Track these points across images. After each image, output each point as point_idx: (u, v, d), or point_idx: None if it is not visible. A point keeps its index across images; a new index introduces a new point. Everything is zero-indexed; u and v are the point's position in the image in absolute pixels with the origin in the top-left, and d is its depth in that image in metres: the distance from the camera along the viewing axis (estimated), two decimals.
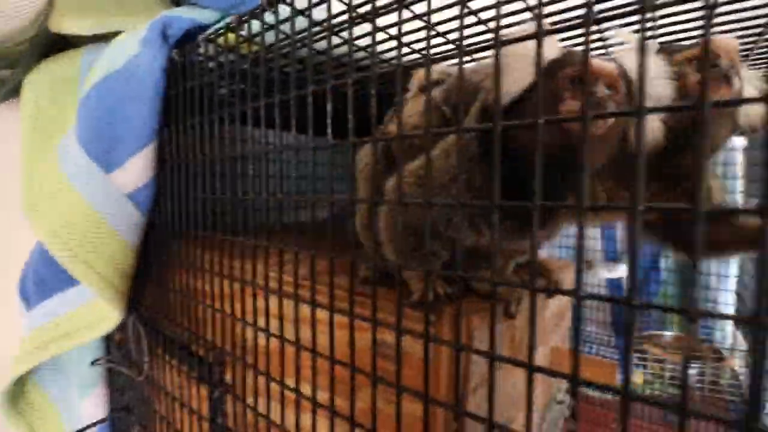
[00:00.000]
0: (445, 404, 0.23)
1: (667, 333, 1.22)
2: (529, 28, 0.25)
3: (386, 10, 0.26)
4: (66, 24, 0.52)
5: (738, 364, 1.13)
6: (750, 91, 0.29)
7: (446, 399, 0.31)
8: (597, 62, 0.24)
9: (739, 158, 1.13)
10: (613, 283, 1.40)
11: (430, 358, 0.28)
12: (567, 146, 0.24)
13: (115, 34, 0.54)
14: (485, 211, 0.29)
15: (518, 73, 0.25)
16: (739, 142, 1.13)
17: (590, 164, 0.26)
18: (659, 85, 0.26)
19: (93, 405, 0.64)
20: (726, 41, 0.28)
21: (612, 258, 1.38)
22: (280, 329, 0.33)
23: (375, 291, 0.27)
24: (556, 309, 0.52)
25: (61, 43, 0.57)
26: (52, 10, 0.53)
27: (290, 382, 0.33)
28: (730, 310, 1.20)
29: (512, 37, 0.20)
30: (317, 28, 0.31)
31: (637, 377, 1.12)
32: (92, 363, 0.61)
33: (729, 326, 1.21)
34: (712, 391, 1.03)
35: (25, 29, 0.51)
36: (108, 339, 0.65)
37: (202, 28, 0.49)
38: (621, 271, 1.33)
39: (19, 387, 0.62)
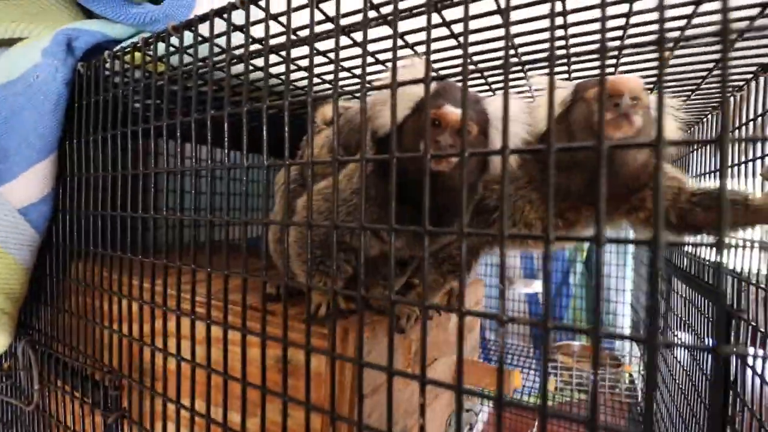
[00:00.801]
0: (324, 410, 0.25)
1: (576, 343, 1.34)
2: (411, 71, 0.29)
3: (297, 42, 0.28)
4: None
5: (634, 369, 1.27)
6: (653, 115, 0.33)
7: (343, 408, 0.32)
8: (447, 110, 0.29)
9: None
10: (531, 298, 1.51)
11: (322, 372, 0.30)
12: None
13: (18, 40, 0.51)
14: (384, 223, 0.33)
15: (398, 108, 0.28)
16: None
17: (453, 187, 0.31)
18: (518, 125, 0.31)
19: None
20: (629, 79, 0.30)
21: (529, 274, 1.50)
22: (192, 349, 0.33)
23: (285, 310, 0.29)
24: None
25: None
26: None
27: (188, 401, 0.33)
28: (627, 320, 1.35)
29: (405, 80, 0.23)
30: (219, 57, 0.33)
31: (550, 384, 1.21)
32: None
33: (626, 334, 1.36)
34: (612, 395, 1.15)
35: None
36: None
37: (113, 42, 0.48)
38: (537, 286, 1.44)
39: None
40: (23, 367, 0.53)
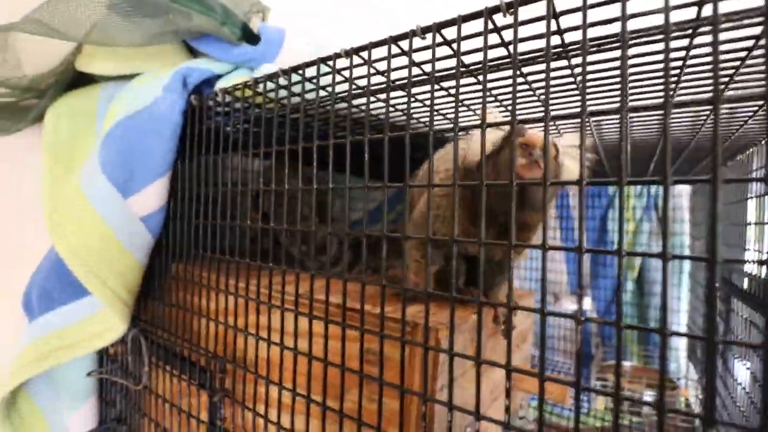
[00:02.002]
0: (417, 392, 0.30)
1: (627, 363, 1.31)
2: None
3: (419, 80, 0.34)
4: (93, 65, 0.59)
5: (691, 393, 1.22)
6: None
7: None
8: (532, 133, 0.34)
9: (685, 203, 1.27)
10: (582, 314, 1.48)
11: (406, 363, 0.35)
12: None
13: (134, 75, 0.61)
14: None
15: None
16: (685, 188, 1.27)
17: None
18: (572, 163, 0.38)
19: (82, 418, 0.67)
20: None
21: (576, 291, 1.47)
22: (281, 339, 0.39)
23: (362, 303, 0.34)
24: (518, 331, 0.59)
25: (82, 78, 0.64)
26: (79, 52, 0.60)
27: (286, 389, 0.39)
28: (682, 342, 1.30)
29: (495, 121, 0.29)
30: (323, 94, 0.39)
31: (599, 404, 1.19)
32: (88, 374, 0.64)
33: (683, 358, 1.31)
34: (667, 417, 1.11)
35: (54, 68, 0.58)
36: (101, 353, 0.68)
37: (217, 77, 0.57)
38: (586, 303, 1.42)
39: (12, 396, 0.64)
40: (131, 352, 0.62)
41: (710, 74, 0.36)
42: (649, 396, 1.15)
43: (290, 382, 0.38)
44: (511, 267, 0.29)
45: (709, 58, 0.35)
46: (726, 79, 0.36)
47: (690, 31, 0.24)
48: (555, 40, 0.30)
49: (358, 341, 0.34)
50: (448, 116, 0.52)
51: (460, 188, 0.29)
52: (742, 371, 0.70)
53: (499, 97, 0.44)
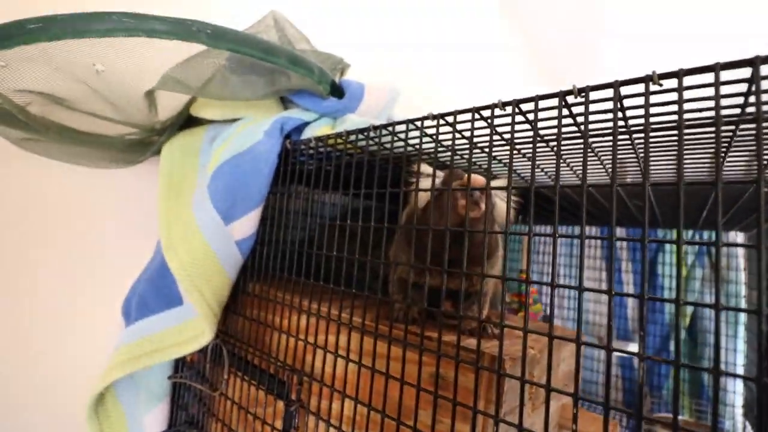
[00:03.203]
0: (487, 413, 0.35)
1: (679, 417, 1.25)
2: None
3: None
4: (204, 111, 0.70)
5: None
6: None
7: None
8: (473, 176, 0.42)
9: (741, 251, 1.23)
10: (626, 361, 1.44)
11: (468, 386, 0.39)
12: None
13: (234, 120, 0.72)
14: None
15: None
16: (740, 235, 1.24)
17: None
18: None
19: (156, 419, 0.74)
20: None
21: (623, 336, 1.44)
22: (359, 358, 0.45)
23: (440, 329, 0.39)
24: (566, 369, 0.62)
25: (191, 119, 0.76)
26: (194, 101, 0.72)
27: (359, 407, 0.44)
28: (738, 398, 1.23)
29: None
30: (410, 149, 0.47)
31: None
32: (169, 377, 0.72)
33: (738, 416, 1.24)
34: None
35: (174, 115, 0.69)
36: (178, 359, 0.76)
37: (305, 124, 0.66)
38: (632, 348, 1.38)
39: (101, 393, 0.72)
40: (209, 360, 0.70)
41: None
42: None
43: (363, 399, 0.44)
44: (481, 292, 0.38)
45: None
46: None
47: (735, 121, 0.29)
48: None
49: (428, 366, 0.39)
50: (522, 175, 0.58)
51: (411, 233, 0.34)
52: None
53: (570, 162, 0.50)
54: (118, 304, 0.73)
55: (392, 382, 0.41)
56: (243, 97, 0.62)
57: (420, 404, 0.42)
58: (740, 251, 1.24)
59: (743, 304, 1.24)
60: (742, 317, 1.25)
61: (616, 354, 1.44)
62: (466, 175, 0.43)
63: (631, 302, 1.45)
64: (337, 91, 0.66)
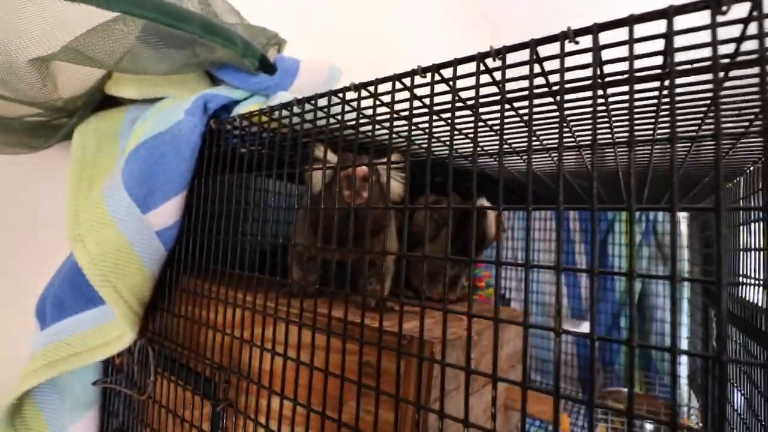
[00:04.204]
0: (410, 401, 0.32)
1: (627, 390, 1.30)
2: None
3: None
4: (119, 89, 0.64)
5: (693, 422, 1.21)
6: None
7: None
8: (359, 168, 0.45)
9: (684, 230, 1.29)
10: (580, 340, 1.48)
11: (401, 375, 0.37)
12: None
13: (158, 99, 0.66)
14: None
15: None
16: (681, 215, 1.29)
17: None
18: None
19: (84, 428, 0.68)
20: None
21: (577, 315, 1.48)
22: (284, 350, 0.42)
23: (363, 318, 0.37)
24: (511, 350, 0.61)
25: (109, 100, 0.68)
26: (109, 77, 0.65)
27: (289, 402, 0.41)
28: (684, 368, 1.29)
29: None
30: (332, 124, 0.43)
31: (601, 430, 1.18)
32: (94, 383, 0.66)
33: (684, 386, 1.30)
34: None
35: (85, 92, 0.62)
36: (107, 362, 0.70)
37: (234, 103, 0.61)
38: (585, 327, 1.42)
39: (17, 402, 0.65)
40: (137, 362, 0.64)
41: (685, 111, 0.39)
42: (650, 424, 1.14)
43: (291, 393, 0.40)
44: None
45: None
46: (700, 117, 0.40)
47: (657, 75, 0.28)
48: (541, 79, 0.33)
49: (355, 354, 0.36)
50: (446, 142, 0.56)
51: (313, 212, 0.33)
52: (738, 397, 0.71)
53: (492, 126, 0.47)
54: (32, 305, 0.66)
55: (323, 374, 0.38)
56: (159, 70, 0.56)
57: (350, 395, 0.39)
58: (683, 230, 1.29)
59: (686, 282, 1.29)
60: (686, 292, 1.31)
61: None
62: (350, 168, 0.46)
63: (584, 282, 1.49)
64: (269, 66, 0.61)
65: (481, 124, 0.39)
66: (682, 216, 1.28)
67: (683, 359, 1.31)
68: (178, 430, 0.54)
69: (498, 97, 0.31)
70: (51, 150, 0.66)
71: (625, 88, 0.32)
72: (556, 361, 0.28)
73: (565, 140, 0.52)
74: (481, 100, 0.31)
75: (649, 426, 1.15)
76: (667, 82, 0.29)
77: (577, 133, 0.48)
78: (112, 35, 0.52)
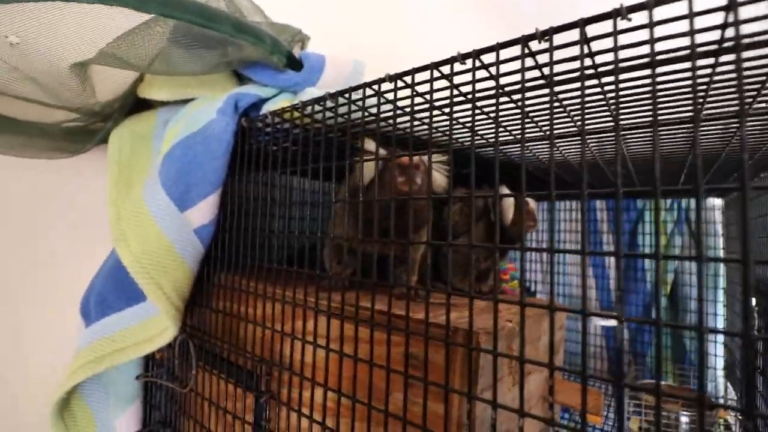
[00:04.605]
0: (460, 391, 0.32)
1: (662, 383, 1.26)
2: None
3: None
4: (151, 92, 0.65)
5: (731, 414, 1.17)
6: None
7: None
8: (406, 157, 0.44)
9: (718, 218, 1.24)
10: (608, 331, 1.45)
11: (440, 364, 0.37)
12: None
13: (187, 100, 0.67)
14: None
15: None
16: (717, 202, 1.25)
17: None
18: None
19: (128, 421, 0.70)
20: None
21: (606, 306, 1.45)
22: (327, 343, 0.42)
23: (408, 310, 0.37)
24: (548, 341, 0.60)
25: (142, 103, 0.70)
26: (141, 81, 0.66)
27: (331, 394, 0.41)
28: (720, 360, 1.25)
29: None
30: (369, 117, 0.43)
31: (633, 423, 1.15)
32: (137, 377, 0.68)
33: (720, 378, 1.26)
34: None
35: (120, 96, 0.64)
36: (147, 358, 0.72)
37: (262, 101, 0.62)
38: (614, 320, 1.39)
39: (65, 397, 0.68)
40: (178, 356, 0.66)
41: (736, 90, 0.38)
42: (685, 416, 1.11)
43: (334, 385, 0.41)
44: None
45: (733, 75, 0.37)
46: (753, 94, 0.38)
47: (714, 52, 0.26)
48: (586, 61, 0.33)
49: (398, 346, 0.36)
50: (485, 136, 0.55)
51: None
52: None
53: (534, 117, 0.46)
54: (77, 304, 0.68)
55: (366, 365, 0.38)
56: (190, 70, 0.57)
57: (394, 386, 0.40)
58: (718, 218, 1.25)
59: (722, 271, 1.26)
60: (722, 281, 1.27)
61: (600, 324, 1.44)
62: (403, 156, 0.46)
63: (612, 273, 1.46)
64: (295, 63, 0.61)
65: (521, 111, 0.39)
66: (717, 203, 1.24)
67: (719, 350, 1.27)
68: (220, 421, 0.56)
69: (543, 81, 0.31)
70: (88, 153, 0.68)
71: (676, 66, 0.31)
72: (582, 341, 0.27)
73: (604, 124, 0.50)
74: (527, 85, 0.30)
75: (684, 418, 1.12)
76: (725, 57, 0.27)
77: (621, 116, 0.47)
78: (145, 37, 0.53)
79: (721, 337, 1.27)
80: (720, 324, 1.26)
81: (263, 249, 0.53)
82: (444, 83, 0.37)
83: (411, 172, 0.44)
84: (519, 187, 0.30)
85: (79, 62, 0.49)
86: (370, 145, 0.48)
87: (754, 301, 0.94)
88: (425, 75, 0.37)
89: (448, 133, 0.35)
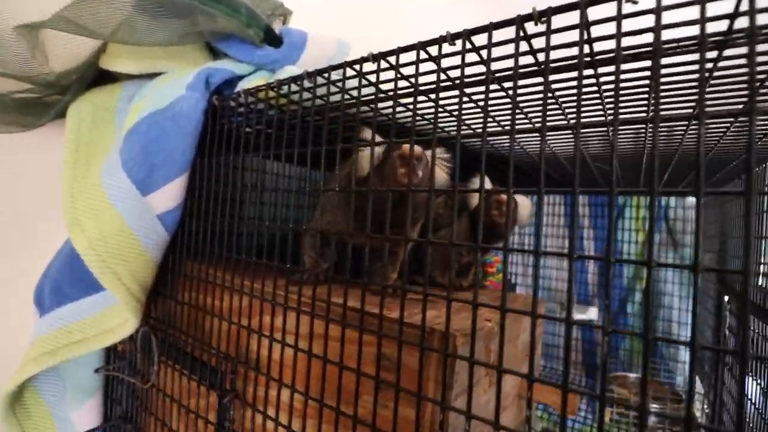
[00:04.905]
0: (433, 399, 0.30)
1: (632, 375, 1.29)
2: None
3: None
4: (116, 63, 0.60)
5: (697, 407, 1.20)
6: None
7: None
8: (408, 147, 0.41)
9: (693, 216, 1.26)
10: (584, 326, 1.48)
11: (413, 366, 0.35)
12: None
13: (155, 74, 0.62)
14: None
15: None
16: (691, 200, 1.26)
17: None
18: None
19: (87, 415, 0.66)
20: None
21: (584, 300, 1.47)
22: (295, 341, 0.39)
23: (381, 309, 0.34)
24: (526, 339, 0.59)
25: (104, 75, 0.65)
26: (104, 51, 0.61)
27: (298, 392, 0.39)
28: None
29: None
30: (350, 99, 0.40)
31: (605, 416, 1.18)
32: (96, 371, 0.64)
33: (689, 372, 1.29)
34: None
35: (79, 65, 0.58)
36: (109, 349, 0.68)
37: (239, 78, 0.57)
38: (592, 313, 1.41)
39: (18, 391, 0.64)
40: (140, 349, 0.62)
41: (738, 85, 0.36)
42: (655, 408, 1.14)
43: (302, 385, 0.38)
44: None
45: (734, 71, 0.35)
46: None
47: (719, 43, 0.24)
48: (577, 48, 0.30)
49: (370, 346, 0.34)
50: (472, 126, 0.52)
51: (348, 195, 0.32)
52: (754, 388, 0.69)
53: (524, 108, 0.44)
54: (31, 292, 0.64)
55: (336, 366, 0.35)
56: (158, 40, 0.52)
57: (365, 389, 0.37)
58: (692, 216, 1.27)
59: None
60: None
61: (577, 317, 1.46)
62: (404, 146, 0.44)
63: (591, 267, 1.47)
64: (274, 39, 0.57)
65: (512, 100, 0.36)
66: (695, 202, 1.25)
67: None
68: (183, 419, 0.53)
69: (536, 67, 0.28)
70: (49, 129, 0.63)
71: (682, 59, 0.29)
72: (565, 353, 0.25)
73: (594, 117, 0.48)
74: (521, 71, 0.28)
75: (653, 418, 1.15)
76: (740, 50, 0.25)
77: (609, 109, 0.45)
78: (107, 2, 0.48)
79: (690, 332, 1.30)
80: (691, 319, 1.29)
81: (232, 237, 0.50)
82: (431, 66, 0.34)
83: (413, 164, 0.41)
84: (506, 182, 0.28)
85: (26, 24, 0.44)
86: (367, 134, 0.45)
87: (726, 299, 0.96)
88: (411, 56, 0.34)
89: (433, 120, 0.32)
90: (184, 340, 0.55)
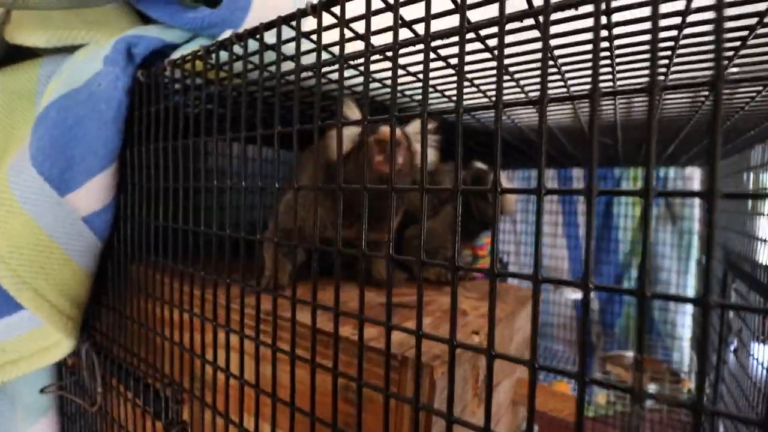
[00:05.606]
0: None
1: (629, 353, 1.26)
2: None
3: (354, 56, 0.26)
4: (22, 36, 0.50)
5: (694, 385, 1.18)
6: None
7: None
8: (386, 130, 0.37)
9: (696, 187, 1.20)
10: (579, 304, 1.44)
11: (392, 408, 0.28)
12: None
13: (78, 46, 0.52)
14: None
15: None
16: (696, 171, 1.20)
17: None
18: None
19: None
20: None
21: (578, 277, 1.42)
22: (240, 369, 0.32)
23: (336, 330, 0.27)
24: (521, 338, 0.53)
25: (20, 53, 0.54)
26: (8, 21, 0.50)
27: (251, 419, 0.32)
28: (687, 331, 1.26)
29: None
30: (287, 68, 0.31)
31: (601, 397, 1.15)
32: (41, 390, 0.57)
33: (686, 349, 1.27)
34: (670, 411, 1.07)
35: None
36: (59, 364, 0.61)
37: (171, 47, 0.48)
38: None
39: None
40: (86, 367, 0.55)
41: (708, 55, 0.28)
42: (652, 388, 1.11)
43: (236, 413, 0.31)
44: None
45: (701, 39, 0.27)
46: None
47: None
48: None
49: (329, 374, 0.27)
50: (447, 93, 0.44)
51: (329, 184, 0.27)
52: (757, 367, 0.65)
53: (514, 72, 0.35)
54: None
55: (301, 392, 0.28)
56: (61, 2, 0.42)
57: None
58: (696, 187, 1.20)
59: (696, 240, 1.23)
60: (694, 253, 1.24)
61: (571, 298, 1.42)
62: (381, 128, 0.39)
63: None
64: None
65: (498, 61, 0.28)
66: (696, 174, 1.19)
67: (686, 321, 1.26)
68: None
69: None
70: None
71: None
72: (580, 349, 0.18)
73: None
74: (508, 27, 0.19)
75: (651, 390, 1.12)
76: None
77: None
78: None
79: (689, 308, 1.26)
80: (690, 282, 1.25)
81: (176, 239, 0.42)
82: (389, 19, 0.26)
83: (393, 150, 0.34)
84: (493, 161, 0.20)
85: None
86: (351, 111, 0.39)
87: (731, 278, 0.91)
88: (362, 6, 0.26)
89: (392, 88, 0.24)
90: (126, 359, 0.47)
